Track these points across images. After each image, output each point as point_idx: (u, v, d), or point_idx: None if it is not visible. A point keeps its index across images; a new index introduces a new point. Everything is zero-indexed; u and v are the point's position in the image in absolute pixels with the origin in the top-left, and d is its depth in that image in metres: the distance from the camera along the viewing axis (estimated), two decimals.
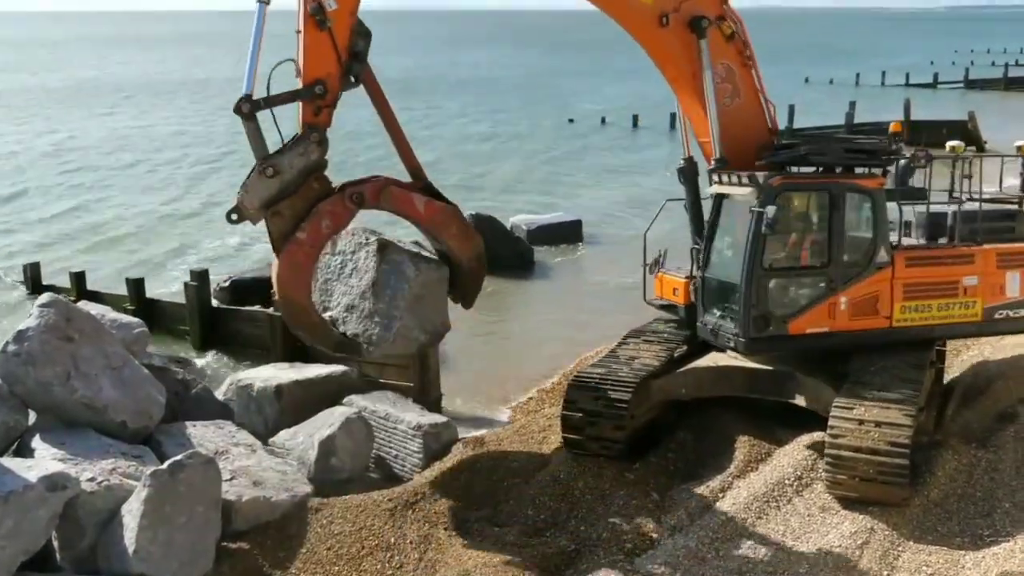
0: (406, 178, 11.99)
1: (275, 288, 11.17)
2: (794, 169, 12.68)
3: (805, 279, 12.63)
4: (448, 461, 12.99)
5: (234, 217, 10.93)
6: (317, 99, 10.68)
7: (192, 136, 55.66)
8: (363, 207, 11.17)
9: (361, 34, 11.16)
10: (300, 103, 10.74)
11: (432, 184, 12.01)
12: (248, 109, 10.51)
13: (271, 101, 10.62)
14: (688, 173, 13.98)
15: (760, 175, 12.30)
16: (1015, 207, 14.06)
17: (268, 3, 10.95)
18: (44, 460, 10.27)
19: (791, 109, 48.96)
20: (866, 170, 12.74)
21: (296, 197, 10.83)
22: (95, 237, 30.93)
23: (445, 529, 11.37)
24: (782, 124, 14.11)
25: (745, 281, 12.17)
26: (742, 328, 12.28)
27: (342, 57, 10.83)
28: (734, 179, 12.69)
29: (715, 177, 13.04)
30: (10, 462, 9.75)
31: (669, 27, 12.63)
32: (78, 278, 21.14)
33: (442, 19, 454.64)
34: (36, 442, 10.87)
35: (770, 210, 11.80)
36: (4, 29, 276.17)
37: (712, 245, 13.16)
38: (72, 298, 18.34)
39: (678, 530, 11.14)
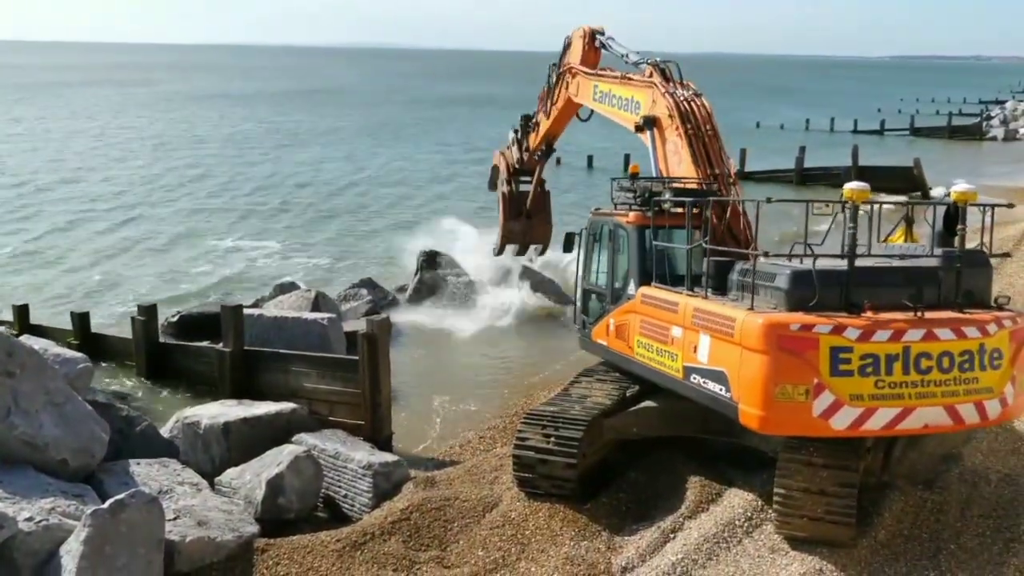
0: None
1: None
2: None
3: (599, 296, 14.75)
4: (398, 501, 12.85)
5: None
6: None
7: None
8: None
9: None
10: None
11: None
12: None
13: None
14: None
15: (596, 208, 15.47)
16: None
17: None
18: None
19: (743, 153, 49.78)
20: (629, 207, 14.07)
21: None
22: (41, 266, 30.40)
23: (394, 571, 11.22)
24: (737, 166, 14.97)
25: (578, 290, 15.58)
26: (577, 327, 15.60)
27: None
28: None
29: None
30: None
31: (641, 129, 16.21)
32: (21, 311, 20.69)
33: (415, 57, 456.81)
34: None
35: (583, 233, 15.26)
36: None
37: None
38: (14, 332, 17.97)
39: (629, 571, 11.12)
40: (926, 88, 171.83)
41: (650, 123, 15.88)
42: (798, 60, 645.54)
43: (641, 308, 13.08)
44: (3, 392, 11.11)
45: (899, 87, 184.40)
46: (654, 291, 12.92)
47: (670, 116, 15.31)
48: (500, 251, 24.70)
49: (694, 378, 11.65)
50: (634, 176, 14.35)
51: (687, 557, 11.06)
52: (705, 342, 11.37)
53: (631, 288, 13.53)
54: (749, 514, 11.69)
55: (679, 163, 14.94)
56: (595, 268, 15.05)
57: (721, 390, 11.11)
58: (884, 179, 47.11)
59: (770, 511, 11.40)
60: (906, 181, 46.21)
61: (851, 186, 10.99)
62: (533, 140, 23.11)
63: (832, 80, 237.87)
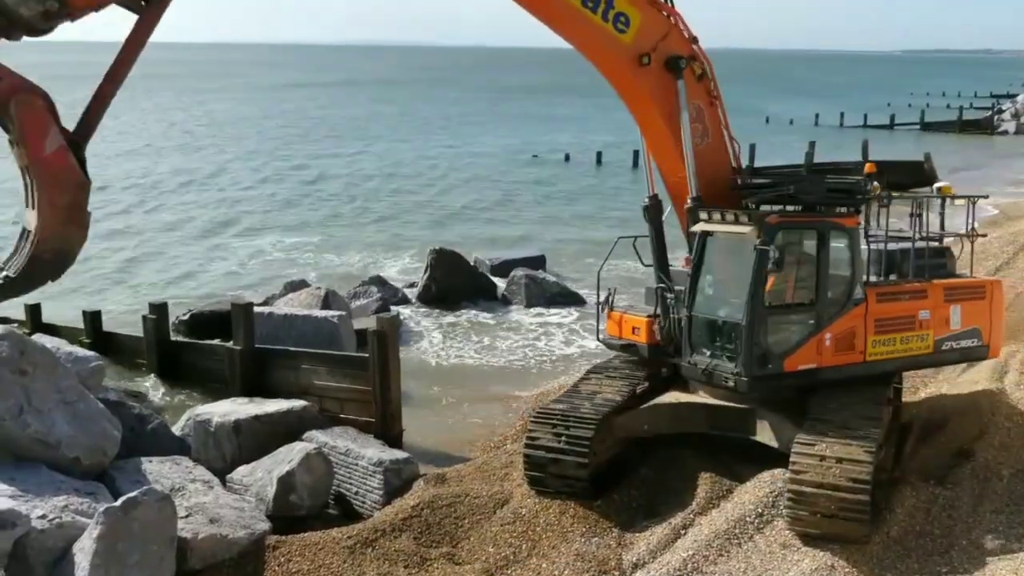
0: None
1: None
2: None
3: (799, 316, 12.79)
4: (409, 498, 12.86)
5: None
6: None
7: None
8: None
9: None
10: None
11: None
12: None
13: None
14: (653, 211, 13.97)
15: (756, 213, 12.62)
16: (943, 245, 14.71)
17: None
18: None
19: (752, 148, 49.51)
20: (845, 209, 13.12)
21: None
22: None
23: (405, 567, 11.23)
24: (745, 162, 14.37)
25: (748, 319, 12.19)
26: (744, 367, 12.20)
27: None
28: (721, 216, 12.80)
29: (702, 215, 13.06)
30: None
31: (649, 67, 12.80)
32: (33, 310, 20.77)
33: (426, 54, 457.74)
34: None
35: (774, 248, 11.94)
36: None
37: (698, 284, 13.09)
38: (27, 331, 18.05)
39: (640, 567, 11.10)
40: (936, 81, 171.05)
41: (678, 66, 12.85)
42: (806, 54, 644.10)
43: (878, 308, 13.04)
44: (16, 390, 11.16)
45: (909, 81, 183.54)
46: (891, 288, 13.42)
47: (699, 75, 12.98)
48: None
49: (947, 345, 13.70)
50: (871, 175, 13.59)
51: (698, 553, 11.04)
52: (958, 311, 13.73)
53: (858, 293, 12.88)
54: (760, 510, 11.66)
55: (704, 136, 13.37)
56: (786, 286, 12.82)
57: None
58: (895, 174, 46.99)
59: (781, 507, 11.37)
60: (917, 175, 46.01)
61: None
62: None
63: (841, 74, 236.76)
